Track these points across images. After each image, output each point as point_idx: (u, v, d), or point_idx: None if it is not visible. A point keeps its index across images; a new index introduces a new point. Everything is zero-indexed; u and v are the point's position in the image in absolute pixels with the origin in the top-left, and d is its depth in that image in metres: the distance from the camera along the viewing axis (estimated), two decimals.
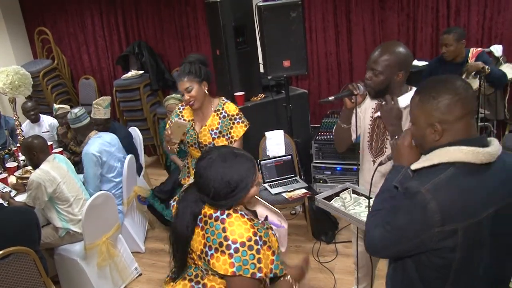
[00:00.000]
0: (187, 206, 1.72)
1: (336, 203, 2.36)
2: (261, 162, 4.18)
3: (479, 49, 3.95)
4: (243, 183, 1.66)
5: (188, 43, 5.68)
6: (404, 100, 2.20)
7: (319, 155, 4.36)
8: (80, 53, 6.18)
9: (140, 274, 3.80)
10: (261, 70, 4.48)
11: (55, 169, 3.40)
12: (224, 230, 1.62)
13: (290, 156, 4.22)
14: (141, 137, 4.62)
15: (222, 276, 1.67)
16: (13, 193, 3.68)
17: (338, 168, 4.29)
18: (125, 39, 5.87)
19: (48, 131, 4.89)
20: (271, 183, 4.05)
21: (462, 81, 1.51)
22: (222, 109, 2.88)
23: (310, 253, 3.76)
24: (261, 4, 3.90)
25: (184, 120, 2.91)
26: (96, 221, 3.39)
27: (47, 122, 4.95)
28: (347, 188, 2.46)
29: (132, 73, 5.42)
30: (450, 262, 1.44)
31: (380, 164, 1.89)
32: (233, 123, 2.87)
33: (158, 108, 5.61)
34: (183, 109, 3.00)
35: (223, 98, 2.97)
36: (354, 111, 2.41)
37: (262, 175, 4.16)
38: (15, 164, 4.14)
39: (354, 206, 2.28)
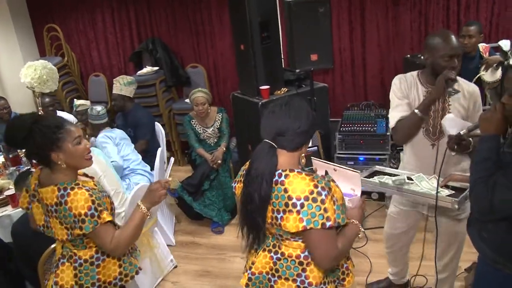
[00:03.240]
0: (259, 163, 1.72)
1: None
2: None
3: (487, 45, 4.14)
4: (312, 129, 1.79)
5: (203, 39, 5.73)
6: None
7: (342, 146, 4.49)
8: (90, 50, 6.16)
9: (176, 266, 3.85)
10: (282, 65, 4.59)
11: (96, 162, 3.38)
12: (285, 190, 1.66)
13: (316, 148, 4.33)
14: (163, 132, 4.65)
15: (296, 237, 1.73)
16: None
17: (361, 158, 4.42)
18: (137, 36, 5.88)
19: None
20: None
21: None
22: None
23: None
24: (289, 0, 4.00)
25: None
26: None
27: None
28: (376, 171, 2.61)
29: (148, 69, 5.44)
30: None
31: (458, 136, 2.01)
32: None
33: (173, 104, 5.64)
34: None
35: None
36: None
37: None
38: None
39: (409, 185, 2.38)
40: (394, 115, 2.57)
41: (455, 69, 2.36)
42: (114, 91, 4.37)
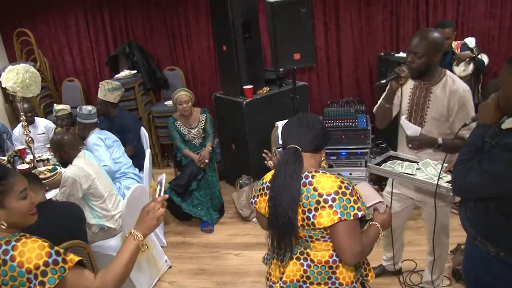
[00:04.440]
0: (287, 166, 1.82)
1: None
2: (278, 149, 4.37)
3: (458, 41, 4.39)
4: (327, 132, 1.97)
5: (179, 41, 5.75)
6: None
7: None
8: (63, 55, 6.04)
9: (170, 267, 3.86)
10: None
11: (89, 165, 3.40)
12: (315, 189, 1.77)
13: None
14: (147, 135, 4.64)
15: (326, 236, 1.82)
16: None
17: (343, 153, 4.56)
18: (112, 40, 5.83)
19: (43, 133, 4.80)
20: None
21: None
22: None
23: None
24: (272, 0, 4.10)
25: None
26: (134, 214, 3.40)
27: (43, 124, 4.85)
28: (391, 156, 2.78)
29: (126, 72, 5.40)
30: None
31: (464, 125, 2.16)
32: None
33: (153, 107, 5.63)
34: None
35: None
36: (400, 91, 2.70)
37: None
38: (26, 166, 4.03)
39: (416, 172, 2.53)
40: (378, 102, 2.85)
41: (409, 64, 2.54)
42: (98, 95, 4.34)
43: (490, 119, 1.92)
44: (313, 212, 1.76)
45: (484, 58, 4.23)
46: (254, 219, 4.41)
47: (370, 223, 1.93)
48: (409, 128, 2.63)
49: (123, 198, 3.47)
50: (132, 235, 1.70)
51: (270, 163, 2.36)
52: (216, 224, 4.47)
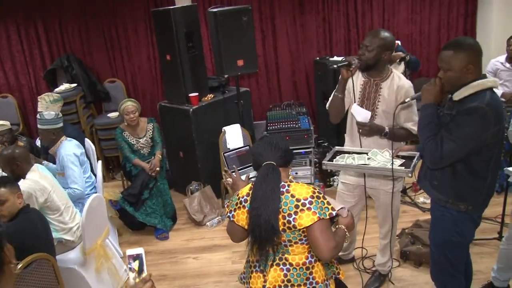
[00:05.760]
0: (267, 180, 2.04)
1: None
2: (225, 154, 4.52)
3: (396, 42, 4.79)
4: (290, 150, 2.20)
5: (119, 53, 5.74)
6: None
7: None
8: None
9: None
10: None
11: (43, 178, 3.35)
12: (292, 196, 1.99)
13: (248, 147, 4.64)
14: (93, 147, 4.60)
15: (303, 238, 2.02)
16: None
17: None
18: (48, 53, 5.68)
19: None
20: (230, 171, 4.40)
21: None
22: None
23: None
24: (214, 10, 4.26)
25: None
26: (93, 225, 3.42)
27: None
28: (338, 151, 3.01)
29: (66, 86, 5.30)
30: (493, 152, 2.22)
31: (403, 102, 2.57)
32: None
33: (95, 120, 5.56)
34: None
35: None
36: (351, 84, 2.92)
37: (227, 166, 4.50)
38: None
39: (368, 161, 2.78)
40: (329, 99, 3.06)
41: (360, 56, 2.80)
42: (39, 110, 4.21)
43: (435, 99, 2.31)
44: (293, 216, 1.97)
45: (412, 58, 4.64)
46: (209, 223, 4.51)
47: (337, 226, 2.15)
48: (361, 114, 2.85)
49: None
50: None
51: (229, 180, 2.52)
52: (170, 231, 4.52)
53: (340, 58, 5.34)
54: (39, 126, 3.77)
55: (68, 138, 3.85)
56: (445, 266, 2.55)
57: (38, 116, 3.78)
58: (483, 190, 2.32)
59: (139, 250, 1.72)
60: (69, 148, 3.74)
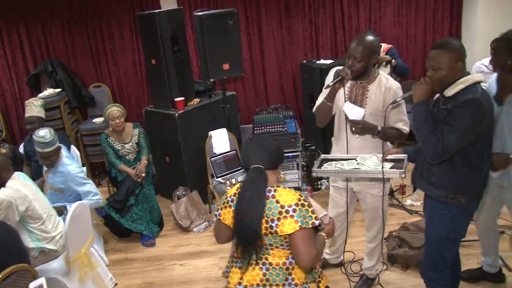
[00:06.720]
0: (254, 184, 2.02)
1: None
2: (211, 159, 4.48)
3: (389, 45, 4.79)
4: (281, 151, 2.16)
5: (104, 58, 5.68)
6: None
7: None
8: None
9: (116, 284, 3.80)
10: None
11: (24, 186, 3.27)
12: (277, 202, 1.99)
13: (235, 151, 4.60)
14: (78, 153, 4.53)
15: (284, 244, 2.01)
16: None
17: None
18: (31, 58, 5.59)
19: None
20: (223, 177, 4.37)
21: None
22: None
23: None
24: (200, 13, 4.22)
25: None
26: (76, 233, 3.35)
27: None
28: (324, 159, 2.97)
29: (50, 91, 5.23)
30: (486, 144, 2.33)
31: (394, 102, 2.64)
32: None
33: (80, 125, 5.49)
34: None
35: None
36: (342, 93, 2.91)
37: (213, 171, 4.47)
38: None
39: (358, 166, 2.75)
40: (317, 102, 3.04)
41: (350, 67, 2.78)
42: (30, 114, 4.09)
43: (426, 97, 2.37)
44: (276, 222, 1.96)
45: (399, 61, 4.64)
46: (195, 229, 4.46)
47: (318, 234, 2.14)
48: (354, 112, 2.81)
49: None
50: None
51: (228, 188, 2.51)
52: (157, 237, 4.46)
53: (327, 62, 5.37)
54: (44, 150, 3.48)
55: (65, 154, 3.71)
56: (437, 262, 2.59)
57: (37, 139, 3.45)
58: (479, 182, 2.41)
59: (41, 280, 1.64)
60: (73, 164, 3.69)
